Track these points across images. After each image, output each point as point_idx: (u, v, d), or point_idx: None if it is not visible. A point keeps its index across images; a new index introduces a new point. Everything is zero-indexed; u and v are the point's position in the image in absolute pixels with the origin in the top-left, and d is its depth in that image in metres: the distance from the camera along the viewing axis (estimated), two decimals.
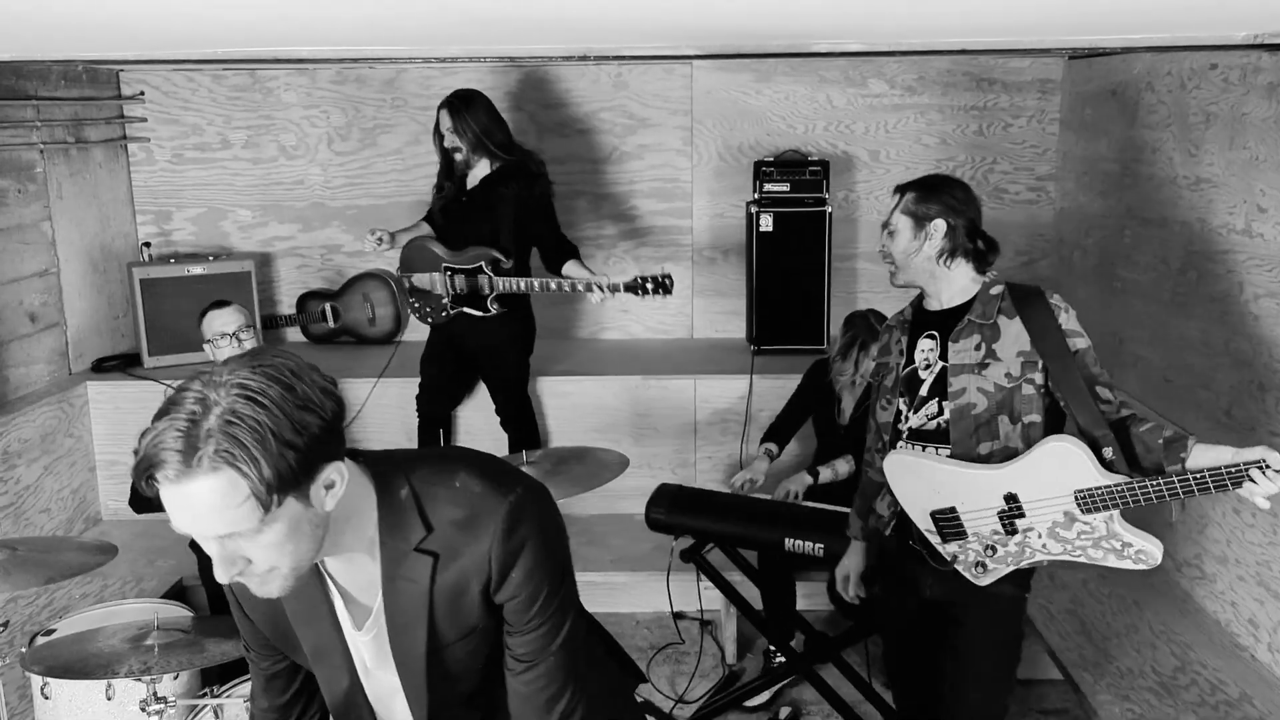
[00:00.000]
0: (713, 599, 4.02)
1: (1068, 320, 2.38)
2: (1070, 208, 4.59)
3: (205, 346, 3.48)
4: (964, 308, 2.43)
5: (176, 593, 3.78)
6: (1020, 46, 2.90)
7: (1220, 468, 2.11)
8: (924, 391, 2.45)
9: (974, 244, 2.44)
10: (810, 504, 3.37)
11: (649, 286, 3.71)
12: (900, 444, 2.48)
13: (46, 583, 2.40)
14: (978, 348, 2.39)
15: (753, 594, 3.61)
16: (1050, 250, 4.83)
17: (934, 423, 2.44)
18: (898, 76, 4.74)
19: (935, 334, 2.45)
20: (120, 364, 4.53)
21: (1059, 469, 2.25)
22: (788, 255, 4.47)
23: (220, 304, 3.47)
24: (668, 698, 3.74)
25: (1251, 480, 2.08)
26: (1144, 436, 2.26)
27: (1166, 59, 3.59)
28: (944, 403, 2.41)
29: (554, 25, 2.58)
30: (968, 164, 4.79)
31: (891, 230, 2.50)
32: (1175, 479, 2.15)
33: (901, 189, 2.52)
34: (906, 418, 2.48)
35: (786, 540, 3.23)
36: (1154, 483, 2.16)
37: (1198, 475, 2.13)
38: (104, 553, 2.54)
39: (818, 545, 3.18)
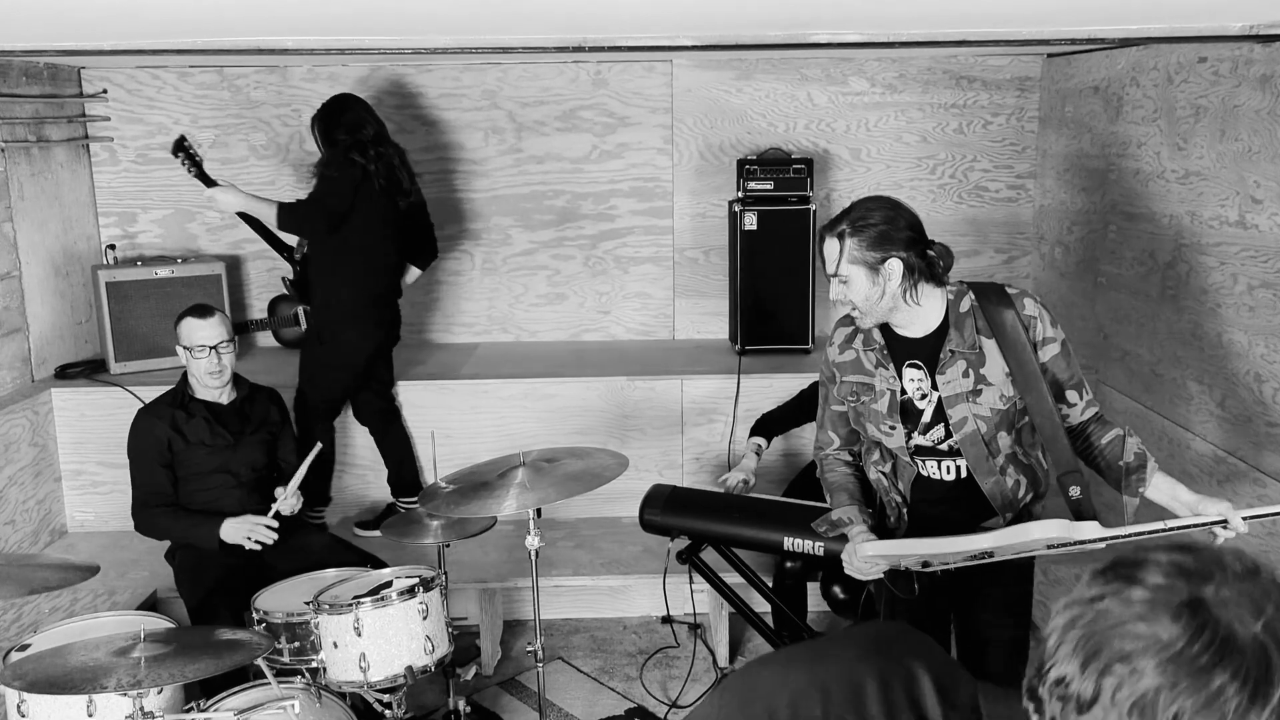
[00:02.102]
0: (701, 601, 3.98)
1: (1040, 329, 2.35)
2: (1051, 204, 4.61)
3: (180, 352, 3.38)
4: (940, 332, 2.37)
5: (149, 605, 3.65)
6: (1021, 37, 2.88)
7: (1187, 526, 2.26)
8: (926, 419, 2.40)
9: (928, 263, 2.34)
10: (809, 502, 3.31)
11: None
12: (908, 459, 2.44)
13: (29, 593, 2.27)
14: (965, 375, 2.35)
15: (750, 595, 3.55)
16: (1030, 247, 4.85)
17: (944, 444, 2.41)
18: (878, 75, 4.73)
19: (920, 364, 2.38)
20: (85, 370, 4.37)
21: (1035, 531, 2.29)
22: (772, 254, 4.44)
23: (203, 311, 3.37)
24: (661, 703, 3.67)
25: (1213, 534, 2.24)
26: (1105, 452, 2.39)
27: (1151, 54, 3.61)
28: (949, 427, 2.38)
29: (550, 13, 2.52)
30: (948, 162, 4.79)
31: (844, 280, 2.33)
32: (1142, 534, 2.27)
33: (836, 234, 2.33)
34: (911, 437, 2.43)
35: (786, 539, 3.18)
36: (1121, 534, 2.27)
37: (1162, 532, 2.28)
38: (86, 570, 2.42)
39: (818, 544, 3.13)
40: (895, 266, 2.28)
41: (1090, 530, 2.27)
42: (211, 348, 3.31)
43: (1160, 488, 2.34)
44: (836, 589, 3.68)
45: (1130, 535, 2.32)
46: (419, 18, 2.52)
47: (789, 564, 3.66)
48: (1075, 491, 2.33)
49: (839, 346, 2.50)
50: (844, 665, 1.10)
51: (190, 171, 4.01)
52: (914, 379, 2.39)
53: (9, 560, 2.43)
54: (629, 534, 4.10)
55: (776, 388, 4.14)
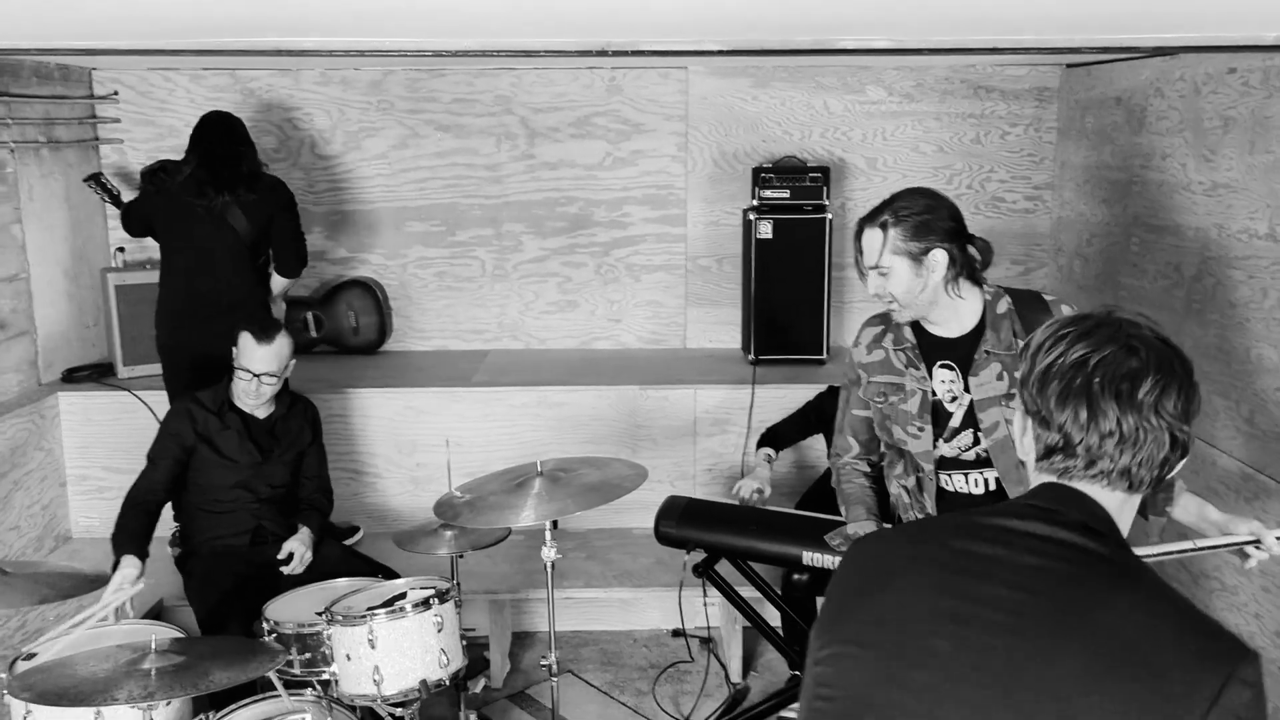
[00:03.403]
0: (712, 614, 3.92)
1: None
2: (1069, 216, 4.56)
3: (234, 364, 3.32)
4: (975, 333, 2.31)
5: (155, 614, 3.59)
6: (1052, 45, 2.84)
7: (1216, 546, 2.26)
8: (954, 423, 2.34)
9: (968, 258, 2.30)
10: (829, 516, 3.25)
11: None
12: (932, 468, 2.37)
13: (39, 602, 2.22)
14: (999, 377, 2.29)
15: (763, 609, 3.49)
16: (1048, 259, 4.80)
17: (971, 452, 2.34)
18: (896, 83, 4.69)
19: (952, 365, 2.32)
20: (92, 374, 4.32)
21: None
22: (787, 263, 4.39)
23: (262, 335, 3.28)
24: (673, 718, 3.61)
25: (1245, 555, 2.22)
26: None
27: (1177, 64, 3.57)
28: (978, 433, 2.32)
29: (573, 16, 2.48)
30: (964, 172, 4.75)
31: (884, 271, 2.27)
32: (1171, 554, 2.29)
33: (878, 224, 2.27)
34: (936, 443, 2.36)
35: (806, 554, 3.13)
36: (1150, 554, 2.28)
37: (1192, 551, 2.30)
38: (95, 580, 2.37)
39: (838, 559, 3.07)
40: (940, 257, 2.24)
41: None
42: (255, 375, 3.27)
43: (1188, 507, 2.29)
44: None
45: (1159, 555, 2.27)
46: (440, 19, 2.48)
47: (796, 576, 3.59)
48: None
49: (866, 347, 2.45)
50: None
51: (104, 200, 4.23)
52: (945, 380, 2.33)
53: (16, 569, 2.37)
54: (641, 545, 4.05)
55: (791, 398, 4.08)
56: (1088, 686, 1.13)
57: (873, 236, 2.28)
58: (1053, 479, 1.32)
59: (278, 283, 4.07)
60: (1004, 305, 2.33)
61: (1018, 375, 2.24)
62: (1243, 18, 2.50)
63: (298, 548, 3.26)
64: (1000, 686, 1.16)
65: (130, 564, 2.96)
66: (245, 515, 3.36)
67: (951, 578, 1.25)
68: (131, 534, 3.13)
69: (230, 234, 3.81)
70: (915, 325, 2.37)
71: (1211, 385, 3.37)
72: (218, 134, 3.87)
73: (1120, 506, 1.31)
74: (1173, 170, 3.61)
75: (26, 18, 2.45)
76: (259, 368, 3.26)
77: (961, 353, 2.32)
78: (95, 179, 4.20)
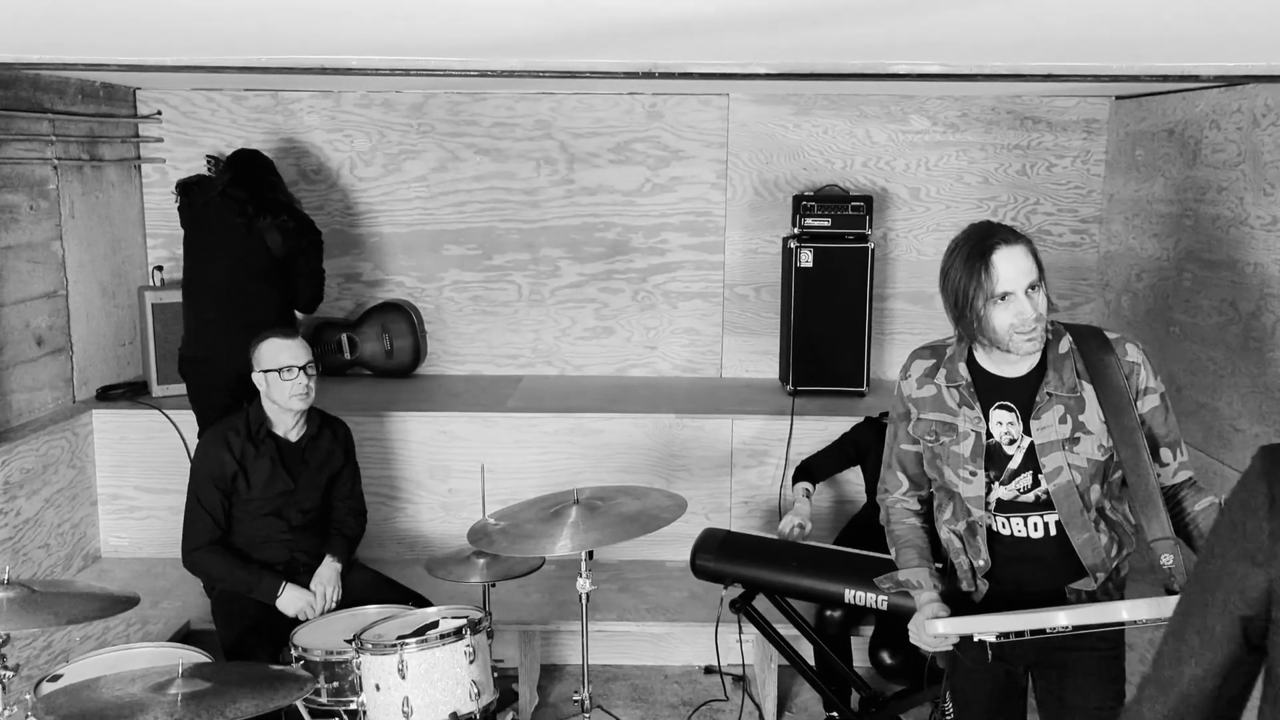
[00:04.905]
0: (747, 651, 3.81)
1: (1142, 377, 2.20)
2: (1117, 250, 4.46)
3: (260, 378, 3.24)
4: (1037, 373, 2.20)
5: (183, 636, 3.54)
6: (1110, 73, 2.77)
7: None
8: (1013, 466, 2.23)
9: None
10: (871, 553, 3.16)
11: None
12: (985, 513, 2.27)
13: (67, 623, 2.17)
14: (1063, 420, 2.18)
15: (800, 646, 3.39)
16: (1095, 294, 4.70)
17: (1031, 495, 2.23)
18: (940, 113, 4.62)
19: (1011, 406, 2.21)
20: (127, 392, 4.31)
21: (1125, 612, 2.11)
22: (828, 292, 4.32)
23: (286, 332, 3.29)
24: None
25: None
26: (1199, 520, 2.19)
27: (1235, 96, 3.48)
28: (1039, 475, 2.21)
29: (620, 37, 2.44)
30: (1010, 204, 4.67)
31: (1034, 284, 2.11)
32: None
33: (1024, 242, 2.15)
34: (991, 487, 2.25)
35: (847, 592, 3.03)
36: None
37: None
38: (124, 602, 2.32)
39: (881, 598, 2.98)
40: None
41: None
42: (300, 368, 3.20)
43: None
44: (885, 654, 3.48)
45: None
46: (486, 39, 2.45)
47: (830, 613, 3.48)
48: (1168, 560, 2.13)
49: (917, 380, 2.33)
50: None
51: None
52: (1003, 422, 2.23)
53: (45, 588, 2.33)
54: (675, 579, 3.97)
55: (830, 431, 3.98)
56: None
57: (1025, 253, 2.14)
58: None
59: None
60: (1065, 344, 2.22)
61: (1081, 418, 2.16)
62: None
63: (323, 589, 3.22)
64: None
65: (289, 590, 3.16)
66: (279, 548, 3.29)
67: None
68: (246, 565, 3.21)
69: (266, 254, 3.83)
70: (971, 361, 2.26)
71: (1272, 425, 3.25)
72: (254, 163, 4.00)
73: None
74: (1229, 204, 3.51)
75: (74, 33, 2.45)
76: (300, 359, 3.20)
77: (1022, 394, 2.21)
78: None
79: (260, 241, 3.82)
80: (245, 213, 3.81)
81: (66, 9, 2.09)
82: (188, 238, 3.98)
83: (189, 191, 4.05)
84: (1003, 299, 2.11)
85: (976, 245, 2.14)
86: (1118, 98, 4.49)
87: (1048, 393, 2.19)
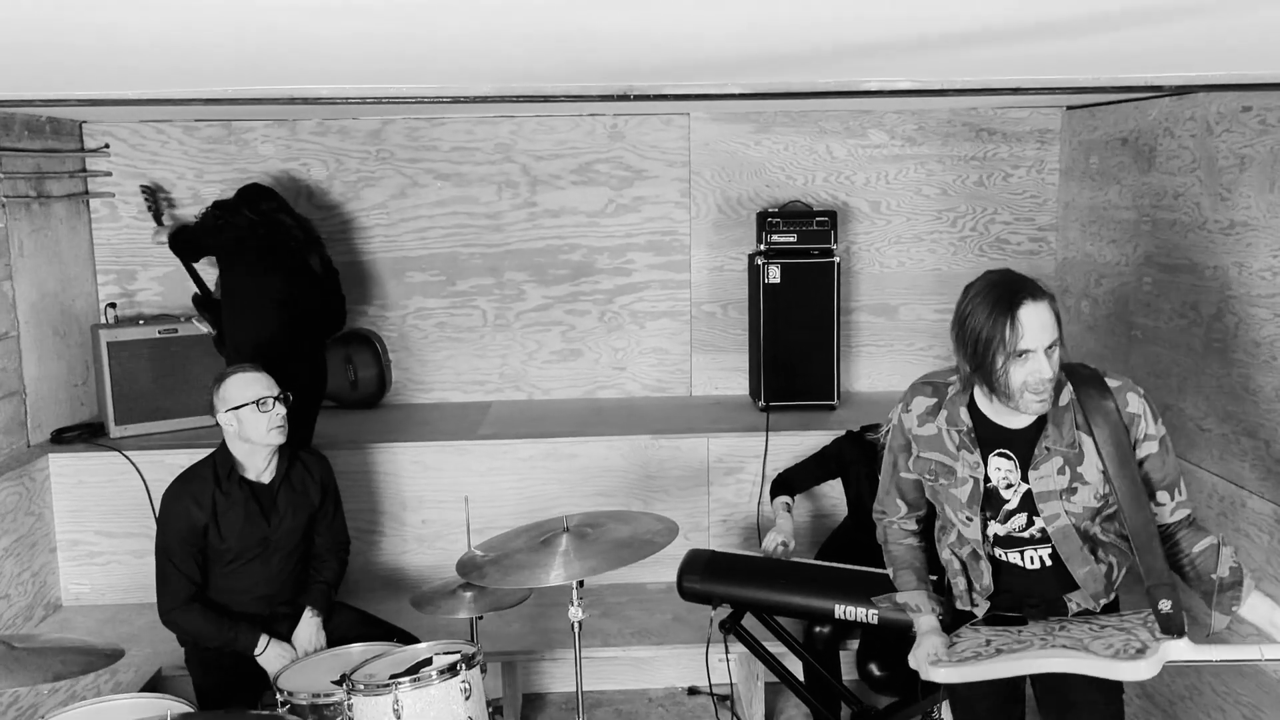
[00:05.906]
0: (730, 671, 3.78)
1: (1142, 427, 2.20)
2: (1074, 257, 4.55)
3: (227, 418, 3.08)
4: (1037, 425, 2.21)
5: (153, 685, 3.43)
6: (1078, 85, 2.82)
7: None
8: (1010, 507, 2.26)
9: None
10: (859, 567, 3.16)
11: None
12: (985, 549, 2.30)
13: (54, 679, 2.08)
14: (1060, 471, 2.20)
15: (794, 665, 3.38)
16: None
17: (1027, 532, 2.27)
18: (897, 127, 4.68)
19: (1010, 455, 2.23)
20: (82, 434, 4.17)
21: (1125, 671, 2.15)
22: (796, 308, 4.34)
23: (249, 366, 3.18)
24: None
25: None
26: (1197, 561, 2.21)
27: (1187, 104, 3.57)
28: (1034, 517, 2.24)
29: (594, 61, 2.43)
30: (968, 214, 4.74)
31: (1053, 344, 2.09)
32: (1237, 660, 2.24)
33: (1049, 299, 2.11)
34: (988, 524, 2.29)
35: (837, 607, 3.03)
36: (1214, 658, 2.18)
37: (1259, 661, 2.17)
38: (109, 655, 2.24)
39: (872, 612, 2.98)
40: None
41: (1180, 650, 2.13)
42: (274, 398, 3.07)
43: (1257, 608, 2.17)
44: (873, 666, 3.50)
45: (1223, 661, 2.18)
46: (458, 65, 2.42)
47: (818, 629, 3.48)
48: (1166, 606, 2.15)
49: (919, 418, 2.33)
50: None
51: (150, 210, 4.41)
52: (1001, 469, 2.24)
53: (22, 643, 2.23)
54: (657, 601, 3.94)
55: (804, 445, 4.00)
56: None
57: (1047, 311, 2.09)
58: None
59: None
60: (1066, 396, 2.20)
61: (1080, 470, 2.17)
62: (1266, 55, 2.48)
63: (304, 651, 3.11)
64: None
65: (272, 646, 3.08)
66: (258, 602, 3.16)
67: None
68: (223, 620, 3.09)
69: (311, 274, 4.06)
70: (973, 407, 2.26)
71: (1237, 425, 3.33)
72: (277, 195, 4.22)
73: None
74: (1186, 209, 3.59)
75: (17, 67, 2.37)
76: (274, 389, 3.09)
77: (1020, 446, 2.22)
78: (149, 191, 4.44)
79: (306, 263, 4.04)
80: (294, 236, 4.04)
81: (23, 43, 2.02)
82: (229, 254, 4.02)
83: (224, 211, 4.11)
84: (1020, 355, 2.07)
85: (1003, 296, 2.09)
86: (1069, 108, 4.58)
87: (1046, 447, 2.20)
